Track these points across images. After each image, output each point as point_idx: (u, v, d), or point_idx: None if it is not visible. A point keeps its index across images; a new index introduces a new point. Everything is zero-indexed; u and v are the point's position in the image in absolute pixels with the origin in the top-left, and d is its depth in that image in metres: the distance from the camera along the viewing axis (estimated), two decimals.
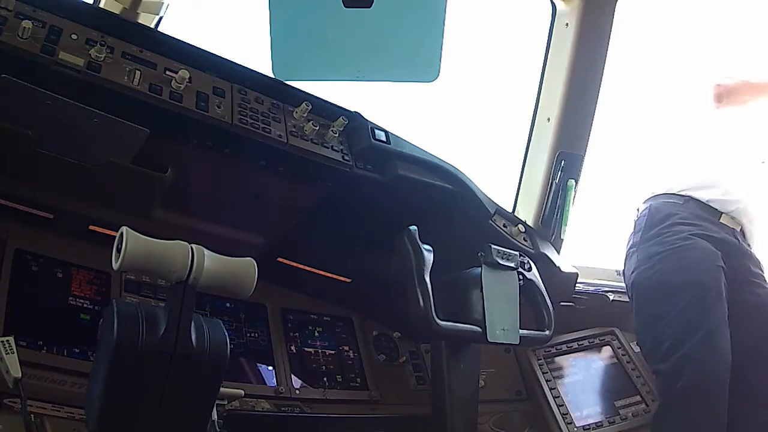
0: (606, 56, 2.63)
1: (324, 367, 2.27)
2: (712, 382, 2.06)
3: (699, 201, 2.45)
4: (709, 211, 2.44)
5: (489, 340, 1.90)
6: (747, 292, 2.35)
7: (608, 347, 2.70)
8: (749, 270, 2.41)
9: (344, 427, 2.18)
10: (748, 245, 2.49)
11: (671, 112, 2.76)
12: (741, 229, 2.48)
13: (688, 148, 2.61)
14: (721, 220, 2.44)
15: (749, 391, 2.18)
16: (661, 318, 2.23)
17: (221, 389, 1.41)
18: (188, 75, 1.78)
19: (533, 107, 2.75)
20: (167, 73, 1.79)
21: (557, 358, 2.66)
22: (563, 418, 2.46)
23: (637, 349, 2.62)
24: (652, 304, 2.32)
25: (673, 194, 2.50)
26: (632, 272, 2.43)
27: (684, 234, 2.35)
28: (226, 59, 1.96)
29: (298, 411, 2.08)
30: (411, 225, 1.88)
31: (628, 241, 2.55)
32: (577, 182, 2.71)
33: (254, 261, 1.38)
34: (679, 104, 2.71)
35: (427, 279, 1.81)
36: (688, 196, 2.47)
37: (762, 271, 2.45)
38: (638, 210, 2.61)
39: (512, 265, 2.03)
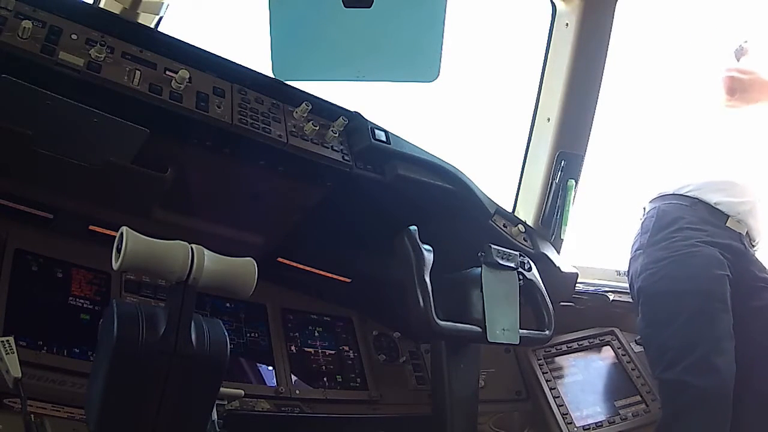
0: (606, 56, 2.63)
1: (324, 367, 2.27)
2: (715, 396, 2.06)
3: (707, 204, 2.43)
4: (716, 215, 2.42)
5: (489, 340, 1.90)
6: (752, 296, 2.34)
7: (608, 347, 2.70)
8: (755, 275, 2.40)
9: (344, 427, 2.18)
10: (754, 250, 2.48)
11: (679, 110, 2.74)
12: (747, 233, 2.46)
13: (697, 147, 2.59)
14: (727, 224, 2.42)
15: (754, 394, 2.18)
16: (665, 326, 2.23)
17: (221, 389, 1.40)
18: (188, 75, 1.77)
19: (533, 107, 2.75)
20: (167, 73, 1.79)
21: (557, 358, 2.66)
22: (563, 418, 2.46)
23: (637, 349, 2.62)
24: (657, 311, 2.31)
25: (681, 195, 2.48)
26: (639, 275, 2.42)
27: (691, 241, 2.33)
28: (226, 59, 1.96)
29: (298, 411, 2.08)
30: (411, 225, 1.88)
31: (634, 242, 2.54)
32: (577, 182, 2.71)
33: (254, 261, 1.38)
34: (687, 102, 2.69)
35: (427, 279, 1.81)
36: (696, 198, 2.45)
37: (767, 275, 2.44)
38: (645, 210, 2.59)
39: (512, 265, 2.03)
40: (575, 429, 2.44)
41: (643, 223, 2.55)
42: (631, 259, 2.53)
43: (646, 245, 2.45)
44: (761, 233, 2.51)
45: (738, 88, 2.46)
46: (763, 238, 2.53)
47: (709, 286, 2.24)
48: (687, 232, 2.37)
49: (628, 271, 2.54)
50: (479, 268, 1.97)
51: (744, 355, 2.16)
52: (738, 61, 2.62)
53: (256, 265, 1.37)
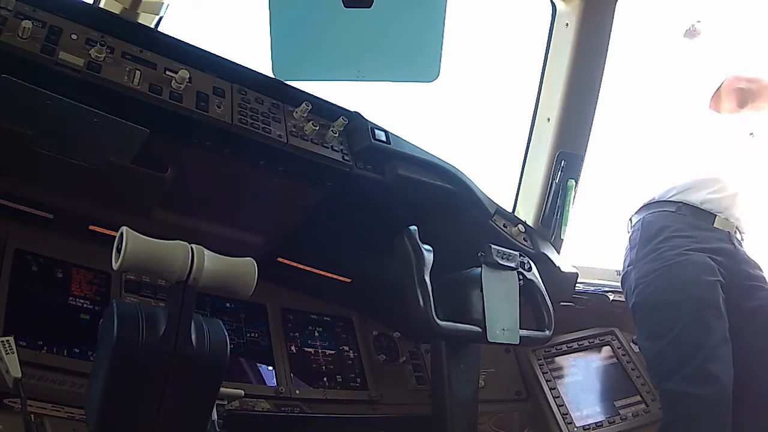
0: (606, 56, 2.63)
1: (324, 367, 2.27)
2: (715, 403, 2.06)
3: (692, 206, 2.43)
4: (703, 217, 2.42)
5: (489, 340, 1.90)
6: (747, 297, 2.33)
7: (608, 347, 2.70)
8: (748, 275, 2.39)
9: (344, 427, 2.18)
10: (744, 248, 2.46)
11: (663, 114, 2.74)
12: (737, 228, 2.45)
13: (678, 150, 2.58)
14: (715, 224, 2.41)
15: (752, 395, 2.17)
16: (661, 337, 2.22)
17: (221, 389, 1.40)
18: (188, 75, 1.78)
19: (533, 107, 2.75)
20: (167, 73, 1.79)
21: (557, 358, 2.66)
22: (563, 418, 2.46)
23: (637, 349, 2.62)
24: (652, 323, 2.30)
25: (666, 201, 2.48)
26: (633, 291, 2.40)
27: (679, 249, 2.32)
28: (226, 59, 1.96)
29: (298, 411, 2.08)
30: (411, 225, 1.88)
31: (624, 259, 2.52)
32: (577, 182, 2.71)
33: (254, 261, 1.38)
34: (670, 105, 2.69)
35: (427, 279, 1.81)
36: (681, 201, 2.44)
37: (761, 272, 2.43)
38: (631, 222, 2.58)
39: (512, 265, 2.03)
40: (575, 429, 2.44)
41: (630, 237, 2.54)
42: (623, 276, 2.51)
43: (635, 260, 2.43)
44: (748, 224, 2.50)
45: (749, 99, 2.46)
46: (750, 229, 2.52)
47: (701, 293, 2.23)
48: (675, 240, 2.36)
49: (623, 289, 2.52)
50: (479, 268, 1.97)
51: (741, 357, 2.16)
52: (691, 40, 2.61)
53: (256, 265, 1.37)
